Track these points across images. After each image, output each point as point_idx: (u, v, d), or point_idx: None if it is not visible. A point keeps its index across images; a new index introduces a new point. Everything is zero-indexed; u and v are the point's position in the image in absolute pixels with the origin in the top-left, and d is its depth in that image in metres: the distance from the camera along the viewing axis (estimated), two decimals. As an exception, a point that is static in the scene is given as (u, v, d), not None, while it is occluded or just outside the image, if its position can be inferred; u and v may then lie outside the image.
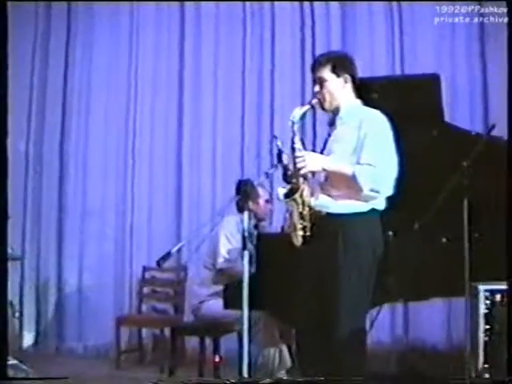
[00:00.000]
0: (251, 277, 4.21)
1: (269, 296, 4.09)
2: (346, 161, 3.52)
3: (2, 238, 3.77)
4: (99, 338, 6.26)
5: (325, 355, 3.48)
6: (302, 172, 3.47)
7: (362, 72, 5.72)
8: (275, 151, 3.52)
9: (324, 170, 3.53)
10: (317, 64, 3.66)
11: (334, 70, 3.63)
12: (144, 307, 6.19)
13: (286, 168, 3.49)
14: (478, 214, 4.13)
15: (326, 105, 3.65)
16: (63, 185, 6.62)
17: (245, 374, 3.50)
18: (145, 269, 6.25)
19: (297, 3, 6.30)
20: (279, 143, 3.51)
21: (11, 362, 4.58)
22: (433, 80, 4.33)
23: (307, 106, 3.61)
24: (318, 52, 6.09)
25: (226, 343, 5.13)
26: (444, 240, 4.27)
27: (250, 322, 3.53)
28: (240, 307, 4.29)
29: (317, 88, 3.64)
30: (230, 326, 4.74)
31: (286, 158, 3.48)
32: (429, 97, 4.31)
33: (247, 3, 6.38)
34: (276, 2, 6.35)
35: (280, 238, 4.07)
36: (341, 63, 3.65)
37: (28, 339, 6.43)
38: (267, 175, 3.56)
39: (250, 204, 4.77)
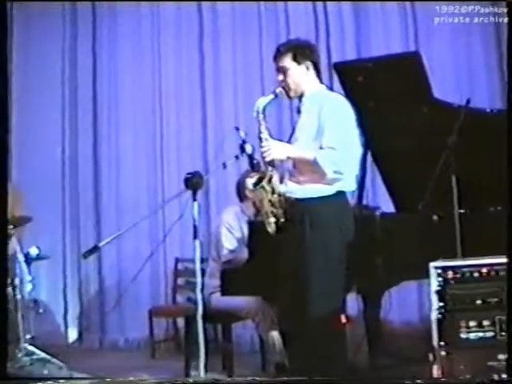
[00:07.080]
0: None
1: (260, 282, 4.17)
2: (310, 146, 3.57)
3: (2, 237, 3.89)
4: (139, 330, 6.46)
5: (304, 339, 3.54)
6: (266, 160, 3.55)
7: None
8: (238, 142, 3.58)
9: (289, 157, 3.60)
10: (278, 53, 3.72)
11: (295, 59, 3.68)
12: (179, 298, 6.36)
13: (251, 157, 3.57)
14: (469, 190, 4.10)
15: (291, 93, 3.72)
16: (98, 185, 6.89)
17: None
18: (177, 260, 6.43)
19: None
20: (242, 134, 3.58)
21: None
22: (414, 57, 4.30)
23: (271, 96, 3.67)
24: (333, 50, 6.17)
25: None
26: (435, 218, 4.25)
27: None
28: (237, 293, 4.43)
29: (280, 77, 3.71)
30: (240, 315, 4.85)
31: (249, 148, 3.55)
32: (413, 74, 4.28)
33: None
34: (290, 3, 6.38)
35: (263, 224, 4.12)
36: (301, 51, 3.70)
37: (72, 334, 6.74)
38: (224, 166, 3.63)
39: (247, 192, 4.87)
